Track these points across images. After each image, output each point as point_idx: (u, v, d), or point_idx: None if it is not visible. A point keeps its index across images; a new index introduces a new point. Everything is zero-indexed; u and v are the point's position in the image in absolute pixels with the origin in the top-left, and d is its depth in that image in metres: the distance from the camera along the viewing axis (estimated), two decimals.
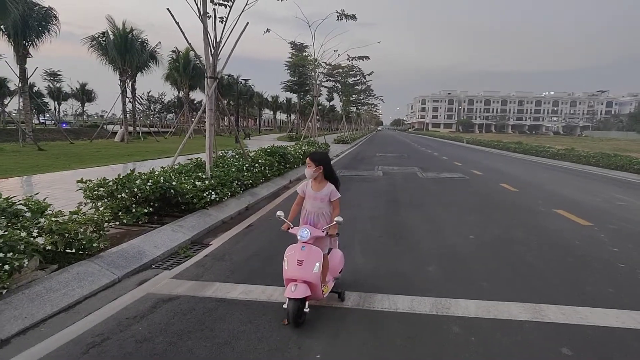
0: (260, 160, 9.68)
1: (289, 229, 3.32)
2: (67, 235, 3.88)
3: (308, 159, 3.45)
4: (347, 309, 3.43)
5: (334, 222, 3.24)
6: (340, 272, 3.70)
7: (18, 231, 3.34)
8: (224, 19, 8.09)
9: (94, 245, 4.06)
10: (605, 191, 10.90)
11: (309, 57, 24.63)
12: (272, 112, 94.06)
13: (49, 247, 3.61)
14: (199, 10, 7.75)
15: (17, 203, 4.03)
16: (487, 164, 18.81)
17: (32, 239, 3.44)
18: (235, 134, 15.11)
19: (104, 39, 25.36)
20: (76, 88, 66.92)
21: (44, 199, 4.40)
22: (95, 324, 3.10)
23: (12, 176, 9.23)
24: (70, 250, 3.96)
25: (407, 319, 3.28)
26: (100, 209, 4.90)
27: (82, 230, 4.04)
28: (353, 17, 19.57)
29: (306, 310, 3.06)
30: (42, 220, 3.88)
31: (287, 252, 3.19)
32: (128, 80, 27.09)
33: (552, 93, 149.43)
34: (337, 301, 3.52)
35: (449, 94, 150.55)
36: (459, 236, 5.84)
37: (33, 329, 2.99)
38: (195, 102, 58.89)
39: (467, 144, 42.43)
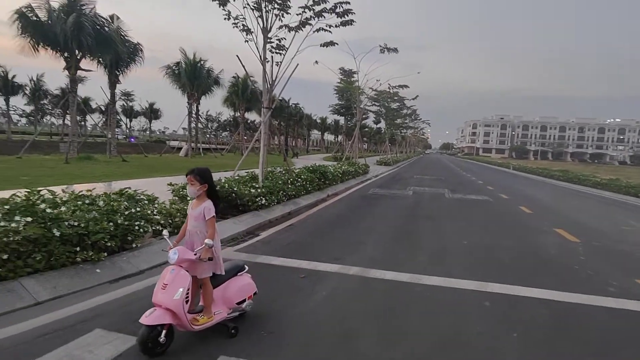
0: (302, 176, 11.56)
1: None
2: (168, 216, 5.92)
3: (190, 176, 3.19)
4: (350, 275, 5.07)
5: (203, 245, 3.02)
6: (241, 304, 3.40)
7: (146, 210, 5.39)
8: (279, 63, 10.18)
9: None
10: (621, 218, 11.55)
11: (354, 84, 26.72)
12: (320, 133, 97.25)
13: (161, 222, 5.62)
14: (260, 56, 9.91)
15: (138, 195, 6.15)
16: (519, 189, 19.46)
17: (153, 216, 5.47)
18: (283, 152, 17.26)
19: (177, 68, 29.45)
20: (145, 107, 74.25)
21: (152, 194, 6.52)
22: None
23: (115, 180, 11.89)
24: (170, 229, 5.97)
25: (389, 283, 4.86)
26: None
27: (177, 214, 6.07)
28: (395, 50, 21.35)
29: (161, 340, 2.82)
30: (155, 206, 5.95)
31: (162, 274, 3.01)
32: (194, 103, 30.88)
33: (617, 120, 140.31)
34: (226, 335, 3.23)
35: (502, 118, 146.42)
36: (455, 241, 7.24)
37: (155, 268, 4.94)
38: (249, 121, 63.18)
39: (513, 170, 42.02)
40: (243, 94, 38.36)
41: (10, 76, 47.54)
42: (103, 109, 55.09)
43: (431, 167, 38.94)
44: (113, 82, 23.97)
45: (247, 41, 9.94)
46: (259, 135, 10.61)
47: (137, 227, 5.06)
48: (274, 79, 10.26)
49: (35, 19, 17.25)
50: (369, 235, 7.36)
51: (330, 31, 10.53)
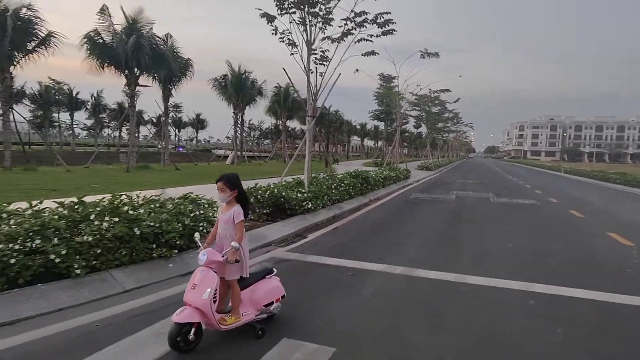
0: (345, 181, 11.92)
1: None
2: None
3: (221, 182, 3.30)
4: (395, 274, 5.34)
5: (230, 248, 3.14)
6: (269, 307, 3.49)
7: (208, 212, 5.98)
8: (323, 74, 10.65)
9: None
10: None
11: (394, 89, 26.78)
12: (359, 139, 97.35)
13: None
14: (304, 67, 10.43)
15: (199, 199, 6.79)
16: (569, 193, 18.63)
17: (214, 218, 6.06)
18: (325, 159, 17.73)
19: (223, 80, 31.13)
20: (193, 118, 77.97)
21: (211, 198, 7.14)
22: None
23: (172, 187, 12.92)
24: None
25: (433, 282, 5.08)
26: None
27: None
28: (436, 54, 21.24)
29: (190, 337, 2.97)
30: (215, 209, 6.55)
31: (192, 274, 3.18)
32: (239, 113, 32.38)
33: None
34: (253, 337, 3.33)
35: (552, 119, 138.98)
36: (499, 244, 7.28)
37: None
38: (289, 129, 64.64)
39: (564, 174, 39.90)
40: (285, 103, 39.57)
41: (74, 93, 52.04)
42: (154, 120, 58.73)
43: (475, 171, 37.91)
44: (166, 96, 25.78)
45: (293, 54, 10.52)
46: (303, 143, 11.12)
47: (201, 228, 5.64)
48: (317, 88, 10.74)
49: (101, 41, 19.08)
50: (411, 239, 7.56)
51: (371, 41, 10.86)
